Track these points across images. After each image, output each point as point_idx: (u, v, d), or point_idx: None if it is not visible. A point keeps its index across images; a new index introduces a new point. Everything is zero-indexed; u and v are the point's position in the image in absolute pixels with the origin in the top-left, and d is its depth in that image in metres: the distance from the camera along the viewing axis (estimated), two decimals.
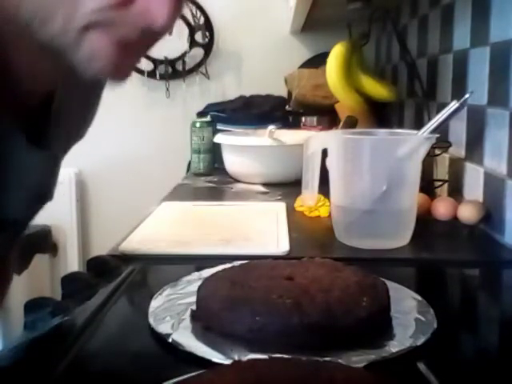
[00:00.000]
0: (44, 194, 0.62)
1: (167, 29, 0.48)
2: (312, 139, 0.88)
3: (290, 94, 1.81)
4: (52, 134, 0.58)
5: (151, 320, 0.55)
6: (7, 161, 0.53)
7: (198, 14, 1.95)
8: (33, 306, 0.61)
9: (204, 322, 0.53)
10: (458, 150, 1.05)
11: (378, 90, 1.46)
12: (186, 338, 0.51)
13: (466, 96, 0.83)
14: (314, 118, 1.64)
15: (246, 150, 1.37)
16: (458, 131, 1.05)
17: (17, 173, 0.54)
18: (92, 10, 0.45)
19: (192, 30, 1.95)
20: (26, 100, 0.54)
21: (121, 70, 0.50)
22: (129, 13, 0.46)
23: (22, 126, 0.53)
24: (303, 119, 1.68)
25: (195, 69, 2.04)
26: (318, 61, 1.84)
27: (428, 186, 1.07)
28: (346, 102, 1.46)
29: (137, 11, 0.46)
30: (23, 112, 0.54)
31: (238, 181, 1.41)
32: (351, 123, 1.31)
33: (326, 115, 1.61)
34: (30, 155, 0.55)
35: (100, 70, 0.48)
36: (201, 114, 1.77)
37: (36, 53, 0.51)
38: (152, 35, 0.49)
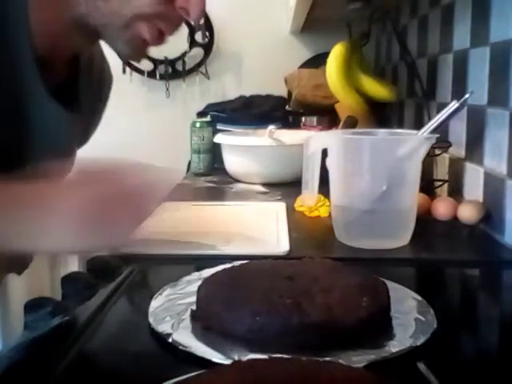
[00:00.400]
0: (61, 148, 0.71)
1: (197, 22, 0.64)
2: (312, 139, 0.88)
3: (289, 93, 1.81)
4: (78, 104, 0.69)
5: (151, 320, 0.55)
6: (31, 106, 0.61)
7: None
8: (33, 306, 0.61)
9: (204, 321, 0.53)
10: (458, 150, 1.05)
11: (378, 90, 1.46)
12: (186, 338, 0.51)
13: (466, 96, 0.83)
14: (314, 118, 1.64)
15: (245, 150, 1.37)
16: (458, 131, 1.05)
17: (37, 119, 0.62)
18: (144, 3, 0.57)
19: (192, 30, 1.95)
20: (51, 59, 0.63)
21: (146, 49, 0.63)
22: (171, 7, 0.59)
23: (51, 86, 0.62)
24: (303, 119, 1.68)
25: (195, 69, 2.04)
26: (318, 61, 1.84)
27: (428, 186, 1.07)
28: (345, 102, 1.46)
29: (179, 5, 0.59)
30: (48, 71, 0.62)
31: (238, 181, 1.41)
32: (351, 123, 1.31)
33: (326, 115, 1.61)
34: (49, 105, 0.63)
35: (133, 48, 0.61)
36: (201, 114, 1.77)
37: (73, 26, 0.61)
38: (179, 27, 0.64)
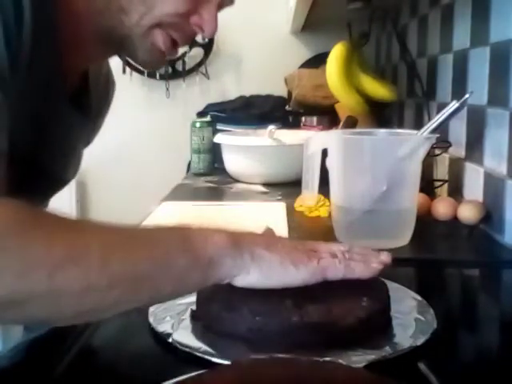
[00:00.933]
0: (72, 152, 0.75)
1: (211, 37, 0.70)
2: (312, 139, 0.88)
3: (290, 93, 1.81)
4: (89, 109, 0.72)
5: (151, 320, 0.55)
6: (55, 115, 0.65)
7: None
8: None
9: (204, 322, 0.53)
10: (458, 150, 1.05)
11: (378, 90, 1.46)
12: (186, 338, 0.51)
13: (466, 96, 0.83)
14: (314, 118, 1.64)
15: (246, 150, 1.37)
16: (458, 131, 1.05)
17: (55, 123, 0.65)
18: (164, 14, 0.62)
19: None
20: (73, 69, 0.67)
21: (163, 58, 0.67)
22: (188, 21, 0.64)
23: (67, 92, 0.66)
24: (303, 119, 1.68)
25: (195, 69, 2.04)
26: (318, 61, 1.84)
27: (428, 186, 1.07)
28: (345, 102, 1.46)
29: (194, 22, 0.64)
30: (69, 80, 0.66)
31: (238, 181, 1.41)
32: (351, 123, 1.31)
33: (326, 115, 1.61)
34: (70, 113, 0.67)
35: (151, 56, 0.65)
36: (201, 114, 1.77)
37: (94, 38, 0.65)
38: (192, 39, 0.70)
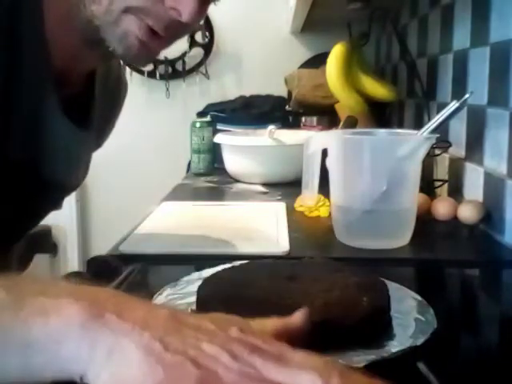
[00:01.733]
0: (73, 162, 0.74)
1: (190, 25, 0.61)
2: (312, 139, 0.88)
3: (290, 93, 1.81)
4: (89, 119, 0.71)
5: None
6: (43, 122, 0.63)
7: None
8: None
9: None
10: (458, 150, 1.05)
11: (378, 90, 1.46)
12: None
13: (466, 96, 0.83)
14: (314, 118, 1.64)
15: (245, 150, 1.37)
16: (458, 131, 1.05)
17: (50, 135, 0.64)
18: None
19: (192, 30, 1.95)
20: (67, 75, 0.65)
21: (146, 50, 0.61)
22: (161, 5, 0.58)
23: (63, 103, 0.64)
24: (303, 119, 1.68)
25: (195, 69, 2.04)
26: (318, 61, 1.84)
27: (428, 186, 1.07)
28: (345, 102, 1.46)
29: (168, 4, 0.58)
30: (63, 87, 0.64)
31: (238, 181, 1.41)
32: (351, 123, 1.31)
33: (326, 115, 1.61)
34: (62, 123, 0.65)
35: (129, 47, 0.60)
36: (201, 114, 1.77)
37: (78, 35, 0.62)
38: (176, 29, 0.62)
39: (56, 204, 0.77)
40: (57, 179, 0.70)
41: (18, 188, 0.64)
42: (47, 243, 2.03)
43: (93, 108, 0.72)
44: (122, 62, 0.83)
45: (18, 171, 0.62)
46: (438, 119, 0.84)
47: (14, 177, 0.62)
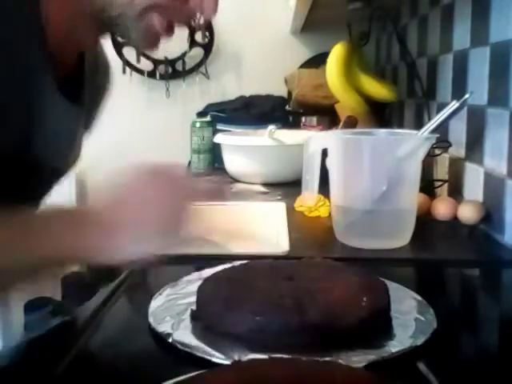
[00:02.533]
0: (68, 143, 0.73)
1: (210, 19, 0.66)
2: (312, 139, 0.88)
3: (290, 93, 1.81)
4: (81, 97, 0.70)
5: (151, 320, 0.55)
6: (37, 99, 0.62)
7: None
8: (33, 306, 0.61)
9: (204, 322, 0.53)
10: (458, 150, 1.05)
11: (378, 90, 1.45)
12: (186, 338, 0.51)
13: (466, 96, 0.83)
14: (314, 118, 1.64)
15: (245, 150, 1.37)
16: (458, 131, 1.05)
17: (44, 112, 0.63)
18: None
19: (192, 30, 1.95)
20: (63, 54, 0.65)
21: (159, 41, 0.64)
22: (185, 2, 0.62)
23: (58, 80, 0.64)
24: (303, 119, 1.68)
25: (195, 69, 2.04)
26: (318, 61, 1.84)
27: (428, 186, 1.07)
28: (345, 102, 1.45)
29: (193, 4, 0.62)
30: (59, 66, 0.64)
31: (238, 181, 1.41)
32: (351, 123, 1.31)
33: (326, 115, 1.61)
34: (56, 99, 0.65)
35: (147, 39, 0.63)
36: (201, 114, 1.77)
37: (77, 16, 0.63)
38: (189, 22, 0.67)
39: (50, 187, 0.76)
40: (49, 158, 0.69)
41: (11, 170, 0.63)
42: None
43: (84, 84, 0.72)
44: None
45: (12, 151, 0.61)
46: (438, 119, 0.84)
47: (6, 158, 0.61)
